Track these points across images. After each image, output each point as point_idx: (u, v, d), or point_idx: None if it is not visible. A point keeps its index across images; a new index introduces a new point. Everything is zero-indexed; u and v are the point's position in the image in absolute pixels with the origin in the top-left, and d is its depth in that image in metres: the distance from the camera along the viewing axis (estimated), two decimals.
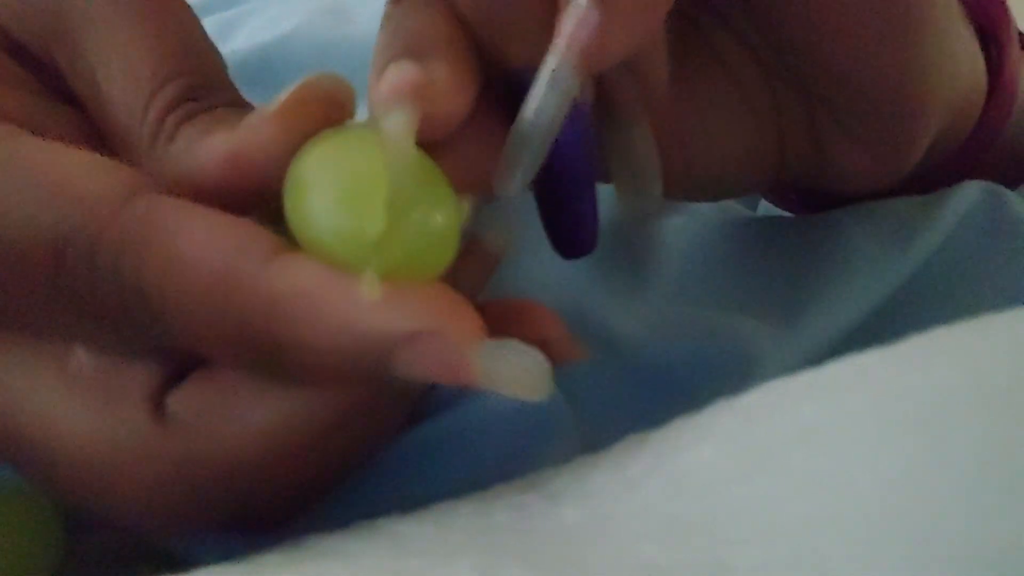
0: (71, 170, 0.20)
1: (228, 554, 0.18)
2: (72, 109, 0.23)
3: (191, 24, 0.23)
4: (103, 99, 0.22)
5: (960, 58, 0.28)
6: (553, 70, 0.21)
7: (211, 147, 0.20)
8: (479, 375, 0.18)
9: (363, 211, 0.19)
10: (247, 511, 0.21)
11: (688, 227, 0.30)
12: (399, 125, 0.19)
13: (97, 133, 0.23)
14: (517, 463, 0.23)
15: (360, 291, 0.18)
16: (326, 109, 0.20)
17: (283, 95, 0.20)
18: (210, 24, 0.37)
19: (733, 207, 0.33)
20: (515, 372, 0.18)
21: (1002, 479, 0.14)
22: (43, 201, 0.19)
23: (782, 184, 0.30)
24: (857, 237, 0.29)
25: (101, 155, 0.20)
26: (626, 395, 0.27)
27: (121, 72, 0.22)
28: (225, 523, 0.22)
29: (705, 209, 0.32)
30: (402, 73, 0.20)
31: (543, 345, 0.20)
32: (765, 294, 0.28)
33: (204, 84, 0.22)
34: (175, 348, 0.20)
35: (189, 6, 0.23)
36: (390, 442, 0.24)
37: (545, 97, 0.21)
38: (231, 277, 0.18)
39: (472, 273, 0.22)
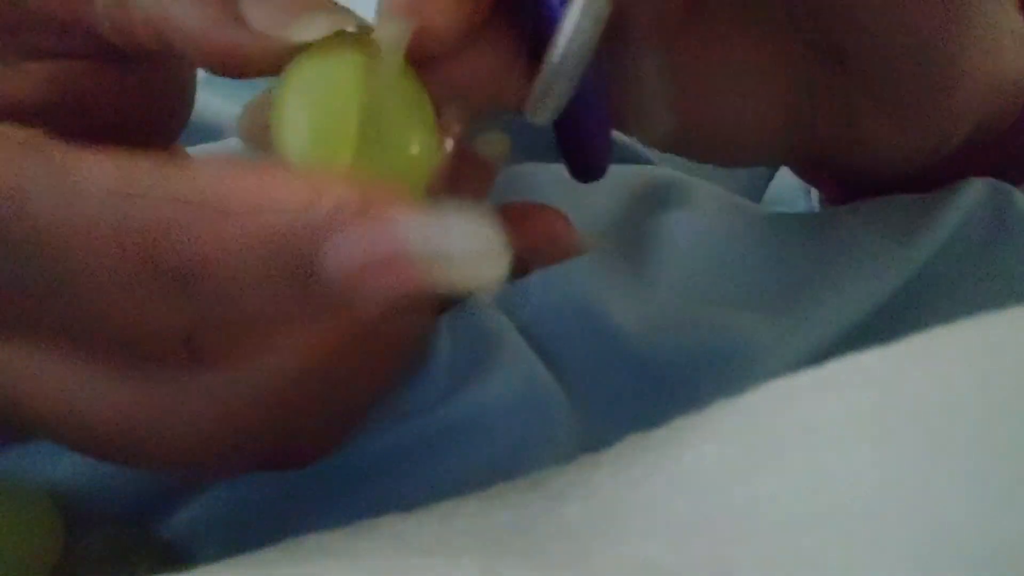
0: None
1: (229, 551, 0.18)
2: (40, 65, 0.23)
3: None
4: None
5: (1005, 42, 0.27)
6: None
7: (200, 21, 0.19)
8: (421, 256, 0.15)
9: (333, 139, 0.18)
10: (283, 447, 0.20)
11: (692, 223, 0.30)
12: (390, 39, 0.19)
13: (68, 85, 0.22)
14: (516, 460, 0.23)
15: (270, 177, 0.16)
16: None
17: (313, 25, 0.19)
18: None
19: (738, 202, 0.33)
20: (463, 243, 0.15)
21: (1005, 477, 0.14)
22: None
23: (816, 161, 0.29)
24: (861, 234, 0.29)
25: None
26: (628, 392, 0.27)
27: None
28: (261, 463, 0.21)
29: (709, 205, 0.32)
30: None
31: (550, 242, 0.19)
32: (769, 291, 0.28)
33: None
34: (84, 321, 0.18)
35: None
36: (412, 373, 0.23)
37: (579, 24, 0.20)
38: (121, 198, 0.17)
39: (472, 181, 0.22)
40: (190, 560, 0.19)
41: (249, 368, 0.19)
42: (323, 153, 0.18)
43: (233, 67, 0.19)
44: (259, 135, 0.21)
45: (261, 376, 0.19)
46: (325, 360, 0.19)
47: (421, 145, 0.19)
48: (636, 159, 0.36)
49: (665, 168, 0.35)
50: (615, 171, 0.29)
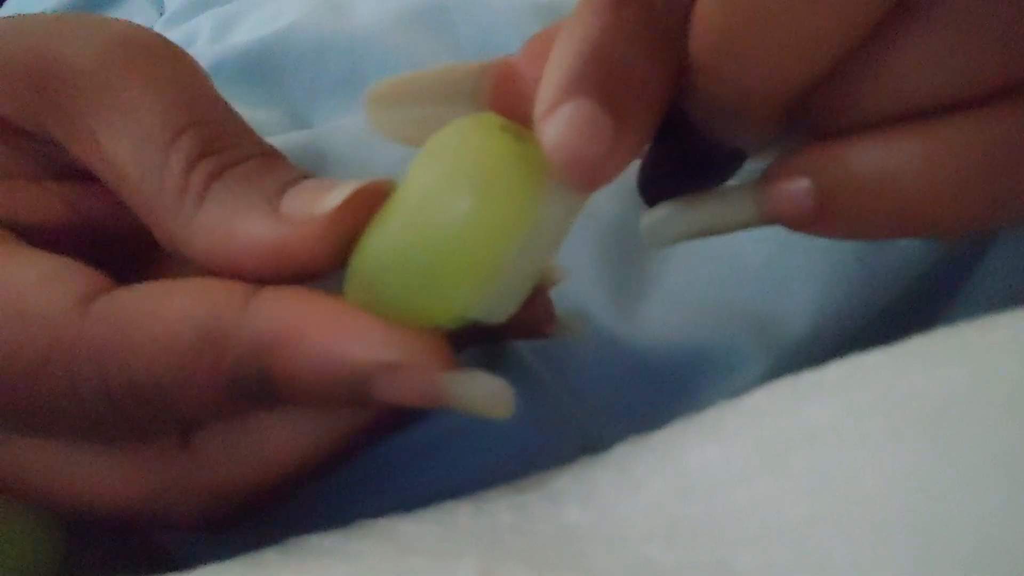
0: (24, 288, 0.20)
1: (227, 553, 0.18)
2: (60, 185, 0.23)
3: (194, 73, 0.22)
4: (109, 159, 0.21)
5: None
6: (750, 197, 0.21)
7: (253, 234, 0.20)
8: (449, 401, 0.19)
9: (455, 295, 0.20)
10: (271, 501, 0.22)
11: None
12: (559, 204, 0.19)
13: (85, 207, 0.23)
14: (515, 462, 0.23)
15: (340, 321, 0.19)
16: (379, 202, 0.20)
17: (338, 193, 0.20)
18: (210, 19, 0.37)
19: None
20: (482, 397, 0.19)
21: (1007, 478, 0.14)
22: (9, 325, 0.19)
23: None
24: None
25: (58, 255, 0.20)
26: (628, 395, 0.27)
27: (126, 128, 0.21)
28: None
29: None
30: (579, 129, 0.18)
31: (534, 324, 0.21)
32: (768, 293, 0.28)
33: (221, 133, 0.21)
34: (178, 426, 0.21)
35: (188, 55, 0.23)
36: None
37: (723, 210, 0.22)
38: (218, 330, 0.19)
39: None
40: (190, 564, 0.19)
41: (243, 465, 0.21)
42: (437, 308, 0.20)
43: (286, 262, 0.20)
44: (395, 115, 0.22)
45: (254, 472, 0.21)
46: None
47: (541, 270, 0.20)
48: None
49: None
50: None
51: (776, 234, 0.29)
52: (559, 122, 0.19)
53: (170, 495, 0.21)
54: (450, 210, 0.19)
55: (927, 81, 0.19)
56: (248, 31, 0.36)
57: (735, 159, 0.23)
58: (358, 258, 0.20)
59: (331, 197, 0.20)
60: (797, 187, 0.20)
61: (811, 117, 0.20)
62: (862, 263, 0.28)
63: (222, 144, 0.21)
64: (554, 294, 0.25)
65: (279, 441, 0.21)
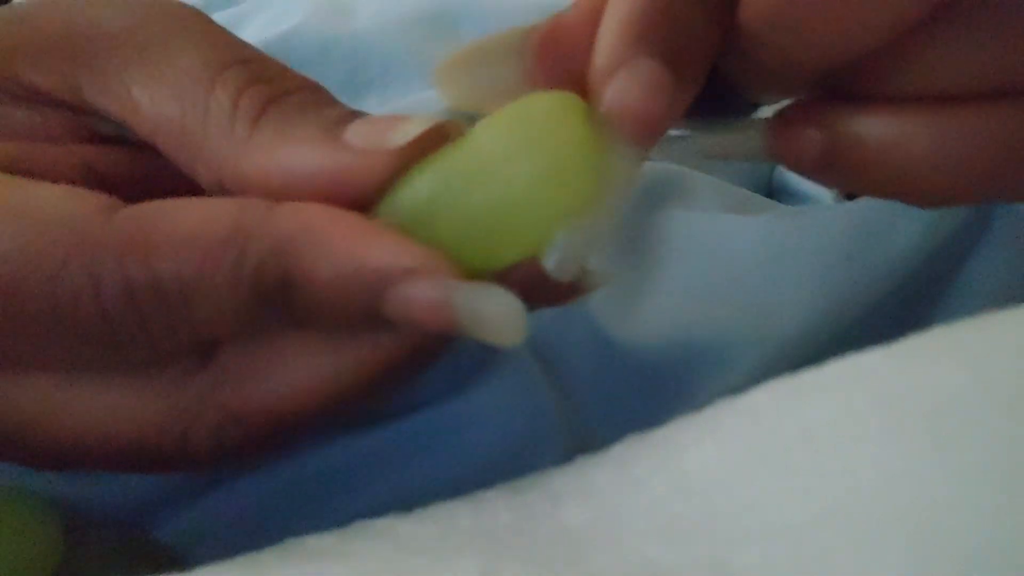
0: (46, 200, 0.20)
1: (228, 554, 0.18)
2: (81, 147, 0.23)
3: (227, 32, 0.22)
4: (146, 109, 0.21)
5: None
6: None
7: (314, 160, 0.20)
8: (461, 316, 0.19)
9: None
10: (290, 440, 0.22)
11: (691, 222, 0.30)
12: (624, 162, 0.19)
13: (103, 169, 0.23)
14: (512, 460, 0.24)
15: (362, 228, 0.19)
16: (439, 146, 0.20)
17: (412, 127, 0.20)
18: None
19: (739, 196, 0.33)
20: (494, 315, 0.19)
21: (1005, 478, 0.14)
22: (27, 232, 0.19)
23: None
24: (856, 232, 0.29)
25: (80, 187, 0.20)
26: (624, 393, 0.27)
27: (164, 76, 0.21)
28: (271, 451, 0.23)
29: (710, 200, 0.32)
30: (642, 93, 0.19)
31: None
32: (762, 291, 0.28)
33: (268, 68, 0.22)
34: (197, 340, 0.20)
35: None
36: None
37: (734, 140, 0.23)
38: (243, 229, 0.19)
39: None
40: (189, 564, 0.19)
41: (266, 389, 0.21)
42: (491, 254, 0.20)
43: (344, 190, 0.20)
44: (462, 84, 0.23)
45: (276, 399, 0.21)
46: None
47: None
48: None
49: (665, 163, 0.35)
50: None
51: (770, 234, 0.30)
52: (625, 82, 0.19)
53: (186, 418, 0.21)
54: (519, 177, 0.19)
55: (954, 71, 0.20)
56: (252, 35, 0.37)
57: (751, 106, 0.24)
58: (404, 193, 0.20)
59: (404, 130, 0.20)
60: (808, 134, 0.22)
61: (836, 81, 0.21)
62: (853, 261, 0.28)
63: (271, 75, 0.21)
64: None
65: (299, 367, 0.21)
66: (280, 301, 0.19)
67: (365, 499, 0.24)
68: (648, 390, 0.26)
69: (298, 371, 0.21)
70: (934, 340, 0.17)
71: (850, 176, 0.22)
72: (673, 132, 0.23)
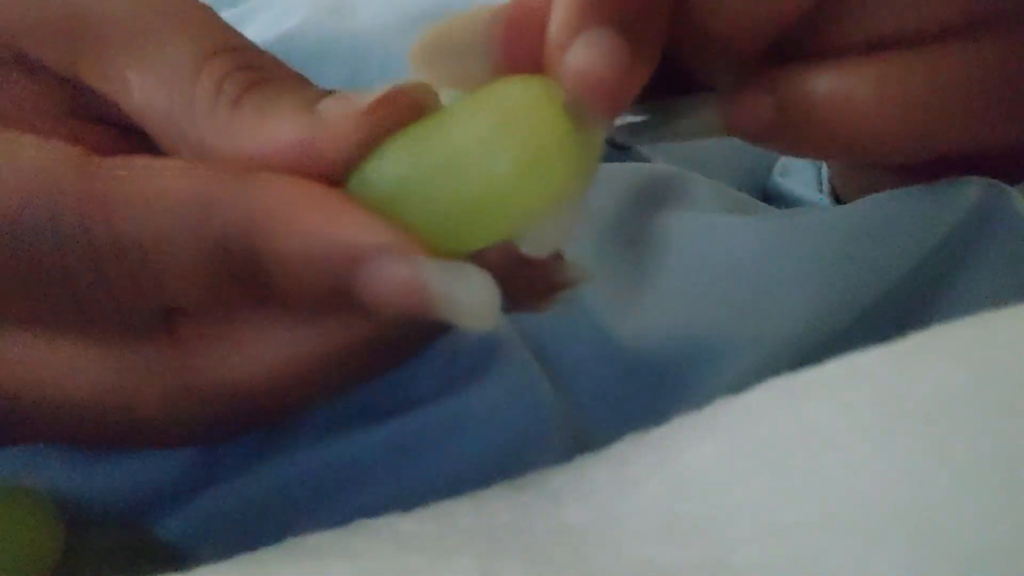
0: (20, 148, 0.20)
1: (228, 552, 0.18)
2: (77, 123, 0.23)
3: (222, 20, 0.23)
4: (138, 93, 0.22)
5: None
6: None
7: (284, 130, 0.20)
8: (433, 297, 0.19)
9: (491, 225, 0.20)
10: (254, 422, 0.22)
11: (689, 224, 0.30)
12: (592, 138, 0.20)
13: (95, 151, 0.23)
14: (510, 458, 0.24)
15: (334, 204, 0.19)
16: (409, 116, 0.20)
17: (372, 93, 0.20)
18: None
19: (737, 198, 0.33)
20: (468, 297, 0.19)
21: (1004, 478, 0.14)
22: None
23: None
24: (855, 234, 0.29)
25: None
26: (623, 392, 0.27)
27: (156, 61, 0.21)
28: (233, 433, 0.23)
29: (708, 203, 0.32)
30: (600, 59, 0.20)
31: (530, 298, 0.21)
32: (761, 290, 0.28)
33: (255, 57, 0.22)
34: (157, 305, 0.20)
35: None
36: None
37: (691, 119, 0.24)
38: (209, 196, 0.19)
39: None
40: (190, 561, 0.19)
41: (227, 365, 0.21)
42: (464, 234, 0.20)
43: (315, 163, 0.20)
44: (436, 67, 0.23)
45: (237, 375, 0.21)
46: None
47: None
48: (635, 156, 0.36)
49: (664, 164, 0.35)
50: (614, 169, 0.29)
51: (768, 234, 0.30)
52: (580, 50, 0.20)
53: (133, 379, 0.21)
54: (496, 167, 0.19)
55: (888, 14, 0.22)
56: (253, 34, 0.37)
57: (705, 91, 0.25)
58: (375, 169, 0.20)
59: (367, 96, 0.20)
60: (759, 100, 0.23)
61: (783, 46, 0.23)
62: (852, 261, 0.28)
63: (258, 63, 0.21)
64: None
65: (260, 344, 0.20)
66: (246, 275, 0.19)
67: (365, 497, 0.24)
68: (647, 389, 0.27)
69: (257, 347, 0.20)
70: (933, 340, 0.17)
71: (803, 137, 0.23)
72: (630, 118, 0.24)
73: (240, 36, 0.22)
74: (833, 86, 0.22)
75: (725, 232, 0.29)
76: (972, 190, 0.29)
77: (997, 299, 0.18)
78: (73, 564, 0.23)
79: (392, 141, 0.20)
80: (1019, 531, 0.14)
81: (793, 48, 0.22)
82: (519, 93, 0.20)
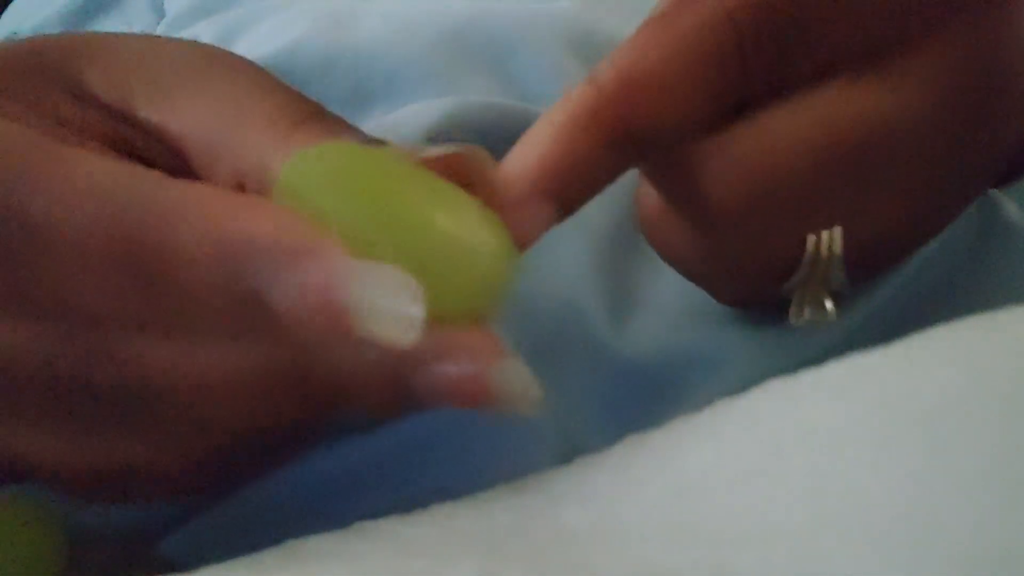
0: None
1: (227, 555, 0.18)
2: (121, 157, 0.24)
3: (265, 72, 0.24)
4: (188, 115, 0.23)
5: None
6: None
7: None
8: (351, 301, 0.17)
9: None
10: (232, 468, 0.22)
11: None
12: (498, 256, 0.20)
13: None
14: (505, 462, 0.23)
15: (244, 201, 0.19)
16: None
17: (437, 149, 0.21)
18: (211, 27, 0.37)
19: None
20: (389, 302, 0.17)
21: (1005, 479, 0.14)
22: None
23: None
24: None
25: None
26: (619, 402, 0.27)
27: (213, 87, 0.23)
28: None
29: None
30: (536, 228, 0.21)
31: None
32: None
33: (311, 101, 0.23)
34: (59, 300, 0.19)
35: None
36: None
37: None
38: (117, 186, 0.19)
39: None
40: (191, 565, 0.19)
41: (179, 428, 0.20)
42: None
43: None
44: None
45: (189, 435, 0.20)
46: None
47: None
48: None
49: None
50: None
51: None
52: (524, 216, 0.21)
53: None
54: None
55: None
56: (254, 45, 0.37)
57: None
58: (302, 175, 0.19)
59: (432, 150, 0.21)
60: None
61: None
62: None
63: (312, 102, 0.23)
64: (548, 299, 0.25)
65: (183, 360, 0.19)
66: (153, 279, 0.19)
67: (366, 505, 0.24)
68: (643, 398, 0.26)
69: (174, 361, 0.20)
70: (933, 341, 0.17)
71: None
72: None
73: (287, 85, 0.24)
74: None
75: None
76: None
77: (998, 300, 0.18)
78: (76, 571, 0.23)
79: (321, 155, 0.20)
80: (1019, 532, 0.14)
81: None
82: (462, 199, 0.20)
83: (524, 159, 0.21)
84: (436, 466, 0.25)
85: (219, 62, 0.24)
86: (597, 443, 0.19)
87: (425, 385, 0.19)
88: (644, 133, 0.21)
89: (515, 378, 0.19)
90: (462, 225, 0.20)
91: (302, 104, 0.23)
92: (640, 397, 0.27)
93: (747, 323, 0.27)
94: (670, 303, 0.28)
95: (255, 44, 0.37)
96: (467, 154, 0.21)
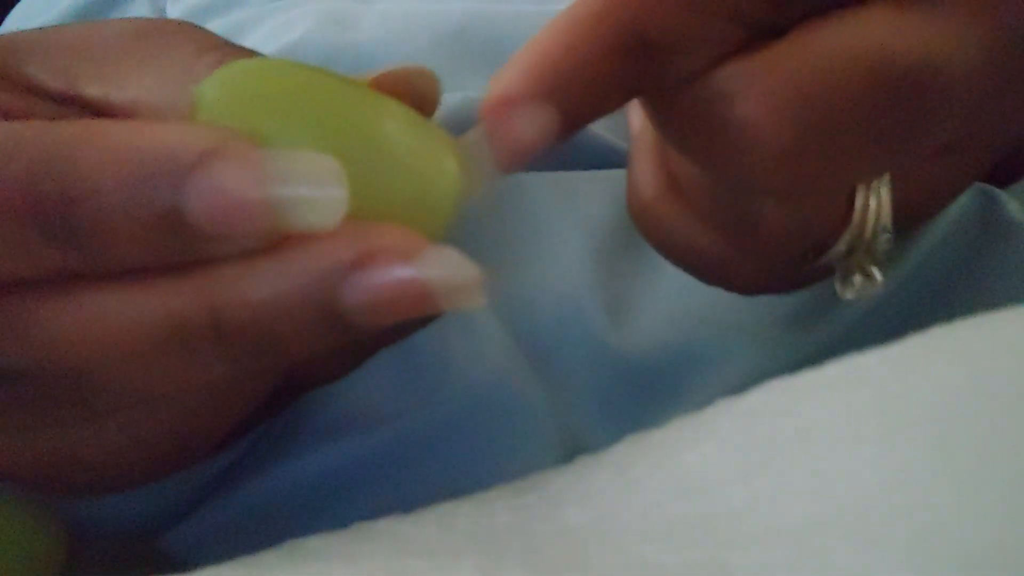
0: None
1: (227, 555, 0.18)
2: None
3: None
4: (134, 85, 0.22)
5: None
6: None
7: None
8: (282, 204, 0.17)
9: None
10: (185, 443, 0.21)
11: None
12: (479, 159, 0.19)
13: None
14: (502, 461, 0.24)
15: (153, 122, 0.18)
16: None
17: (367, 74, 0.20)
18: (213, 29, 0.37)
19: None
20: (315, 191, 0.17)
21: (1004, 478, 0.14)
22: None
23: None
24: None
25: None
26: (618, 399, 0.27)
27: (158, 56, 0.22)
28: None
29: None
30: (533, 137, 0.19)
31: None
32: (760, 298, 0.28)
33: (243, 52, 0.23)
34: None
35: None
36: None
37: None
38: (17, 135, 0.18)
39: None
40: (190, 564, 0.19)
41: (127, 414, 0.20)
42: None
43: None
44: None
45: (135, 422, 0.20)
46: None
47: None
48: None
49: None
50: (611, 175, 0.29)
51: None
52: (519, 122, 0.19)
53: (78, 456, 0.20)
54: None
55: None
56: (254, 46, 0.37)
57: None
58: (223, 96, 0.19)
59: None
60: None
61: None
62: None
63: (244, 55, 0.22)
64: (548, 297, 0.25)
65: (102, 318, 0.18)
66: (62, 226, 0.17)
67: (365, 504, 0.24)
68: (642, 395, 0.27)
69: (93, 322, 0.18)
70: (933, 340, 0.17)
71: None
72: None
73: (230, 43, 0.23)
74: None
75: None
76: (966, 195, 0.29)
77: (998, 299, 0.18)
78: (75, 569, 0.23)
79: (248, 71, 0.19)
80: (1019, 532, 0.14)
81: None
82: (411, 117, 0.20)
83: (521, 58, 0.19)
84: (436, 466, 0.25)
85: (158, 31, 0.23)
86: (597, 443, 0.19)
87: (354, 304, 0.17)
88: (660, 40, 0.19)
89: (449, 269, 0.17)
90: (408, 137, 0.19)
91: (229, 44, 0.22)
92: (640, 396, 0.27)
93: (747, 323, 0.27)
94: (670, 302, 0.28)
95: (256, 45, 0.37)
96: (413, 72, 0.20)
